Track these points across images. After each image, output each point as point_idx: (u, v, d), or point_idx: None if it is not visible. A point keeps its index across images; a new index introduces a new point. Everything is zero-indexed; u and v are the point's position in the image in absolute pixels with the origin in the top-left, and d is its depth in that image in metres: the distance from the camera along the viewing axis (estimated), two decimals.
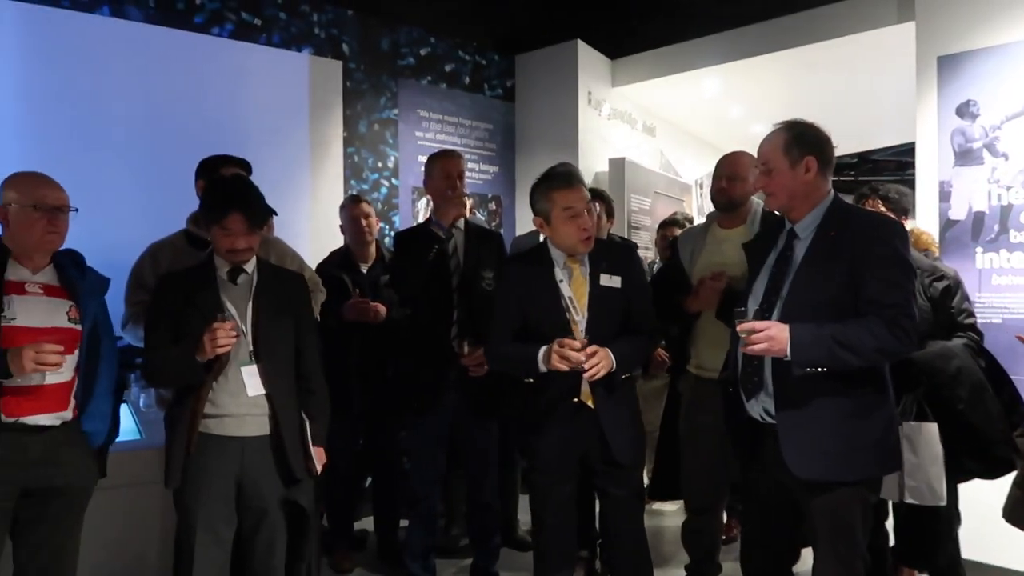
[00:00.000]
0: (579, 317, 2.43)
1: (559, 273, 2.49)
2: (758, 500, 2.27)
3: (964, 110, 3.44)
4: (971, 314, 2.72)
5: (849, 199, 2.59)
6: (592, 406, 2.42)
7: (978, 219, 3.40)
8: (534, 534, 2.65)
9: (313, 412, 2.43)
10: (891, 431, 2.08)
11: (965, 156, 3.44)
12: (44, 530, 2.14)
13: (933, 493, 2.40)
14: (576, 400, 2.43)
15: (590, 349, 2.31)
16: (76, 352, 2.15)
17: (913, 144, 3.70)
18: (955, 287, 2.70)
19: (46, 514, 2.13)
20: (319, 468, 2.39)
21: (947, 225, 3.44)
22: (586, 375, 2.32)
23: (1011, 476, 2.49)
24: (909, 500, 2.41)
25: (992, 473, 2.50)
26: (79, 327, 2.16)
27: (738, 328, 2.01)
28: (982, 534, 2.87)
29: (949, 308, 2.67)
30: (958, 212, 3.45)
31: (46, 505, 2.12)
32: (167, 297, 2.29)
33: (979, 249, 3.39)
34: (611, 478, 2.50)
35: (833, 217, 2.08)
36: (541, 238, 4.31)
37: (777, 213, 2.43)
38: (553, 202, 2.44)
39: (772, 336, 1.95)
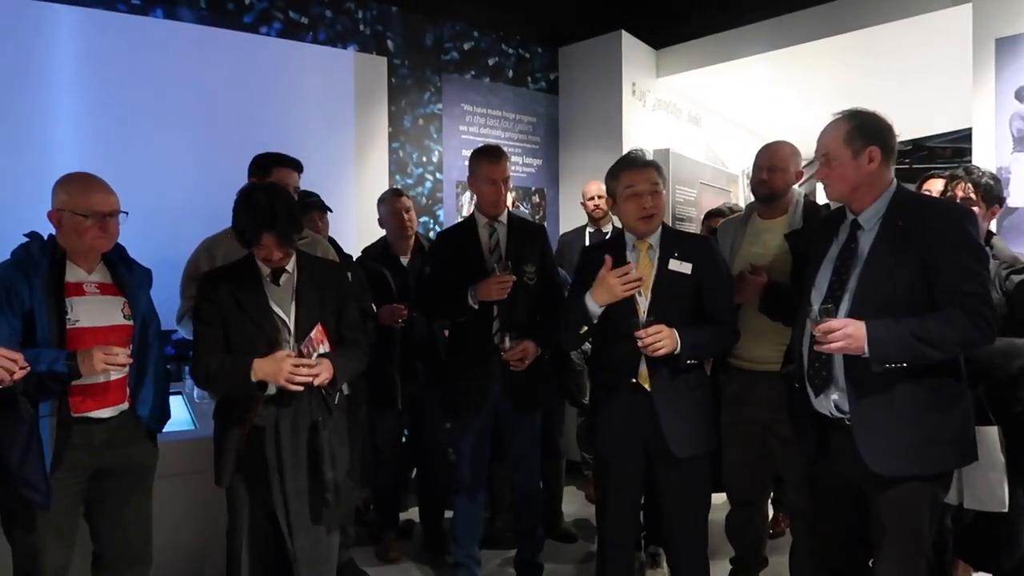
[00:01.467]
0: (642, 299, 2.42)
1: (629, 255, 2.49)
2: (824, 495, 2.23)
3: (1023, 94, 3.33)
4: None
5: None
6: (648, 389, 2.40)
7: None
8: (598, 518, 2.65)
9: (341, 349, 2.39)
10: (970, 422, 2.03)
11: None
12: (114, 506, 2.25)
13: (994, 499, 2.29)
14: (633, 381, 2.41)
15: (653, 328, 2.30)
16: (130, 346, 2.23)
17: (970, 130, 3.59)
18: None
19: (115, 492, 2.24)
20: (313, 378, 2.22)
21: (1005, 213, 3.33)
22: (643, 348, 2.30)
23: None
24: (967, 506, 2.33)
25: None
26: (132, 323, 2.26)
27: (815, 328, 1.96)
28: None
29: None
30: (1017, 199, 3.34)
31: (113, 484, 2.23)
32: (213, 299, 2.30)
33: None
34: (666, 469, 2.47)
35: (899, 206, 2.02)
36: (587, 234, 4.36)
37: (821, 203, 2.38)
38: (619, 180, 2.47)
39: (850, 335, 1.90)
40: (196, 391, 3.32)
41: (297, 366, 2.17)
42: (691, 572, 2.55)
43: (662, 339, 2.29)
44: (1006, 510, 2.32)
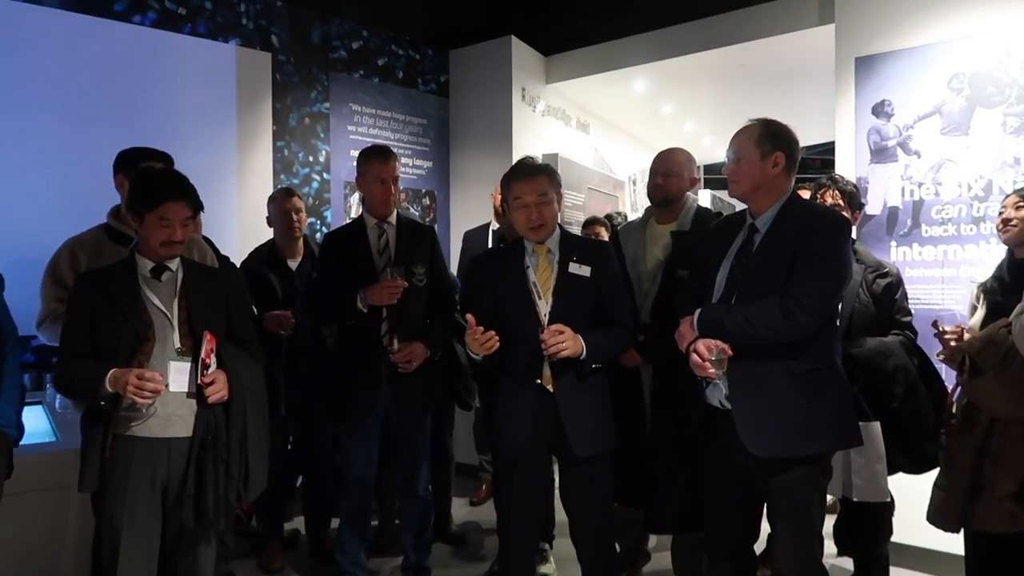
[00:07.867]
0: (542, 303, 2.44)
1: (528, 260, 2.52)
2: (717, 485, 2.31)
3: (880, 109, 3.58)
4: (908, 312, 2.75)
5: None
6: (551, 390, 2.41)
7: (892, 214, 3.54)
8: (499, 523, 2.60)
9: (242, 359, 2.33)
10: (844, 407, 2.14)
11: (880, 153, 3.58)
12: None
13: (880, 491, 2.45)
14: (537, 382, 2.42)
15: (555, 327, 2.32)
16: None
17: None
18: (897, 284, 2.74)
19: None
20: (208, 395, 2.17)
21: (864, 220, 3.57)
22: (546, 352, 2.32)
23: (934, 473, 2.53)
24: (856, 498, 2.46)
25: (918, 468, 2.56)
26: None
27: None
28: (903, 517, 2.96)
29: (890, 305, 2.70)
30: (874, 207, 3.58)
31: None
32: (84, 299, 2.17)
33: (893, 243, 3.53)
34: (571, 468, 2.49)
35: (787, 211, 2.17)
36: (490, 231, 4.36)
37: (712, 210, 2.48)
38: (509, 190, 2.52)
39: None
40: (59, 401, 3.10)
41: (141, 378, 2.03)
42: (599, 568, 2.55)
43: (565, 340, 2.32)
44: (888, 500, 2.49)
